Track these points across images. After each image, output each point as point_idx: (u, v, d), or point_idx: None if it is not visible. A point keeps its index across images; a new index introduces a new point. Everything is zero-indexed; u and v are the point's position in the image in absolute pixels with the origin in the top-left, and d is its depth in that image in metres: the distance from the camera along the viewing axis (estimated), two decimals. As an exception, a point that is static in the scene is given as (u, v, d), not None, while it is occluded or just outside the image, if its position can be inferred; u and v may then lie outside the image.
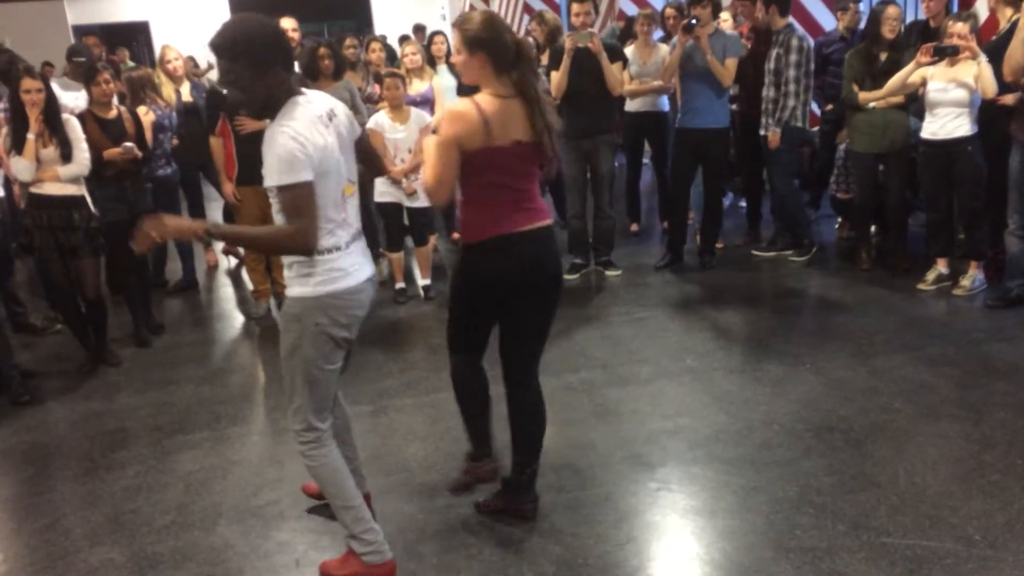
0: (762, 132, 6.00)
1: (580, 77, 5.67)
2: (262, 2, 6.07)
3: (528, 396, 3.10)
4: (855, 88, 5.53)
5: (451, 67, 7.28)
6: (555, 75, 5.73)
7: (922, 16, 5.97)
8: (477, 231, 2.95)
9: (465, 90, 3.15)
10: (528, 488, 3.20)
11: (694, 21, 5.64)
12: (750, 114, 6.32)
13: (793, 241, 6.27)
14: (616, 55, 5.90)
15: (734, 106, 6.61)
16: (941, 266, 5.40)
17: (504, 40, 2.84)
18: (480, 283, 3.00)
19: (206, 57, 7.52)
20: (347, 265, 2.72)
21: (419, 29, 11.75)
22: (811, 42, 5.89)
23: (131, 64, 9.69)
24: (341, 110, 2.76)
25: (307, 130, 2.53)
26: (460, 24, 2.88)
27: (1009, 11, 5.16)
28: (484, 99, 2.84)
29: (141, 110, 5.58)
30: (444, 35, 7.91)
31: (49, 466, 3.97)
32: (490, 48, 2.84)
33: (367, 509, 2.91)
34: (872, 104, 5.46)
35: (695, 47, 5.70)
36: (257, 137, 5.10)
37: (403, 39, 8.92)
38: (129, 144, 5.07)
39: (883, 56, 5.46)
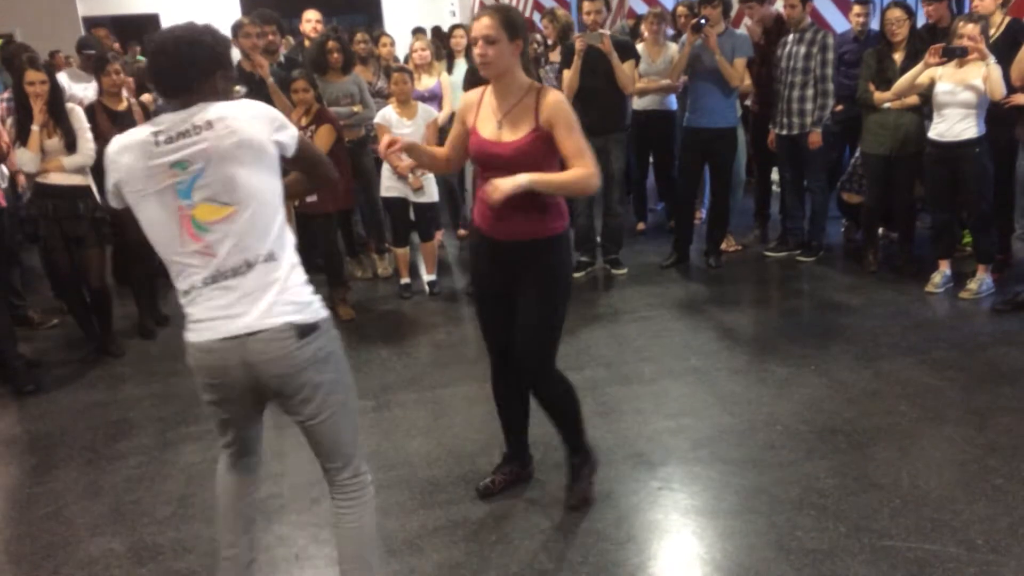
0: (784, 132, 5.98)
1: (592, 76, 5.66)
2: (273, -4, 6.08)
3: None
4: (871, 87, 5.51)
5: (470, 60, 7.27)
6: (567, 74, 5.73)
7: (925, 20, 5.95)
8: (562, 219, 3.01)
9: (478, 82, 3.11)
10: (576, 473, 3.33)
11: (703, 21, 5.62)
12: (763, 113, 6.29)
13: (803, 241, 6.25)
14: (629, 52, 5.89)
15: (747, 102, 6.59)
16: (944, 268, 5.38)
17: None
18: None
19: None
20: (195, 314, 2.30)
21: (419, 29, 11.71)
22: None
23: (140, 58, 9.73)
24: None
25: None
26: (500, 9, 2.84)
27: (999, 15, 5.17)
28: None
29: (147, 97, 5.59)
30: (464, 28, 7.90)
31: (52, 455, 3.98)
32: (525, 37, 2.88)
33: None
34: (887, 104, 5.43)
35: (704, 46, 5.68)
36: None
37: (434, 30, 8.88)
38: None
39: (896, 57, 5.44)
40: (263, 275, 2.24)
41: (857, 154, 6.05)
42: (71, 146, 4.74)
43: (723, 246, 6.36)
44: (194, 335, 2.31)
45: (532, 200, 2.86)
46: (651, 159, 7.15)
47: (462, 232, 7.33)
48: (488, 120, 2.94)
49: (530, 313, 2.99)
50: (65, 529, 3.33)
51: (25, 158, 4.68)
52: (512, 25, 2.80)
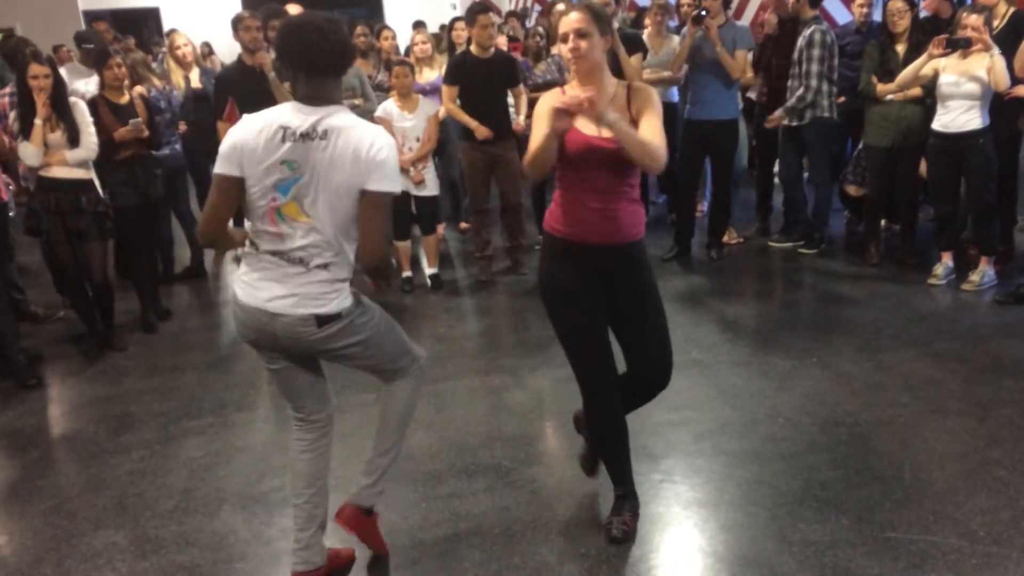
0: (786, 122, 5.98)
1: None
2: (273, -11, 6.06)
3: None
4: (873, 80, 5.50)
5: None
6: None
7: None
8: (644, 219, 3.00)
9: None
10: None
11: (703, 12, 5.61)
12: (771, 106, 6.28)
13: (806, 233, 6.25)
14: (636, 46, 5.88)
15: (751, 94, 6.58)
16: (947, 259, 5.37)
17: None
18: None
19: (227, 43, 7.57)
20: (246, 272, 2.63)
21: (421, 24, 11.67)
22: (833, 35, 5.86)
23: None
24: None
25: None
26: (588, 4, 2.76)
27: (1004, 6, 5.16)
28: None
29: (139, 89, 5.59)
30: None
31: (54, 449, 3.99)
32: (613, 33, 2.82)
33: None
34: (890, 97, 5.42)
35: (704, 38, 5.67)
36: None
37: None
38: (137, 119, 5.08)
39: (899, 49, 5.42)
40: (310, 276, 2.53)
41: (860, 146, 6.05)
42: (74, 140, 4.74)
43: (725, 239, 6.35)
44: (239, 291, 2.61)
45: (632, 196, 2.87)
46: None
47: (464, 225, 7.33)
48: (585, 118, 2.75)
49: (650, 313, 2.97)
50: (68, 523, 3.34)
51: (28, 152, 4.68)
52: (601, 19, 2.74)
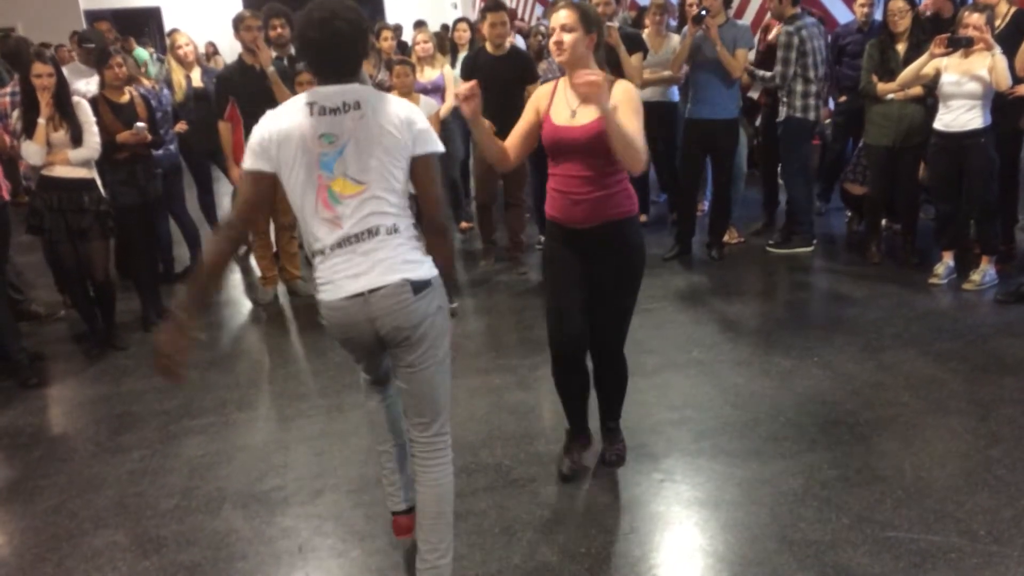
0: (779, 120, 6.01)
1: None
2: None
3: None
4: (874, 79, 5.50)
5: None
6: None
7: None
8: (632, 200, 3.15)
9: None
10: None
11: (704, 12, 5.60)
12: (771, 106, 6.29)
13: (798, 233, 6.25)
14: (637, 45, 5.88)
15: (754, 95, 6.59)
16: (948, 259, 5.37)
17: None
18: None
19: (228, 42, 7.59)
20: (323, 276, 2.53)
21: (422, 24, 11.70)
22: (812, 33, 5.84)
23: (140, 51, 9.74)
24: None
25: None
26: (578, 4, 2.93)
27: (1005, 6, 5.16)
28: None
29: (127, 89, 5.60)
30: (468, 22, 7.89)
31: (55, 449, 3.99)
32: (600, 32, 2.97)
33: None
34: (890, 96, 5.42)
35: (705, 37, 5.67)
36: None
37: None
38: (141, 124, 5.09)
39: (899, 48, 5.42)
40: (384, 242, 2.48)
41: (860, 145, 6.05)
42: (77, 139, 4.75)
43: (725, 238, 6.35)
44: (323, 295, 2.53)
45: (607, 184, 2.99)
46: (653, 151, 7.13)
47: (464, 225, 7.33)
48: (562, 109, 3.02)
49: (616, 295, 3.19)
50: (69, 522, 3.34)
51: (31, 151, 4.69)
52: (588, 18, 2.91)
